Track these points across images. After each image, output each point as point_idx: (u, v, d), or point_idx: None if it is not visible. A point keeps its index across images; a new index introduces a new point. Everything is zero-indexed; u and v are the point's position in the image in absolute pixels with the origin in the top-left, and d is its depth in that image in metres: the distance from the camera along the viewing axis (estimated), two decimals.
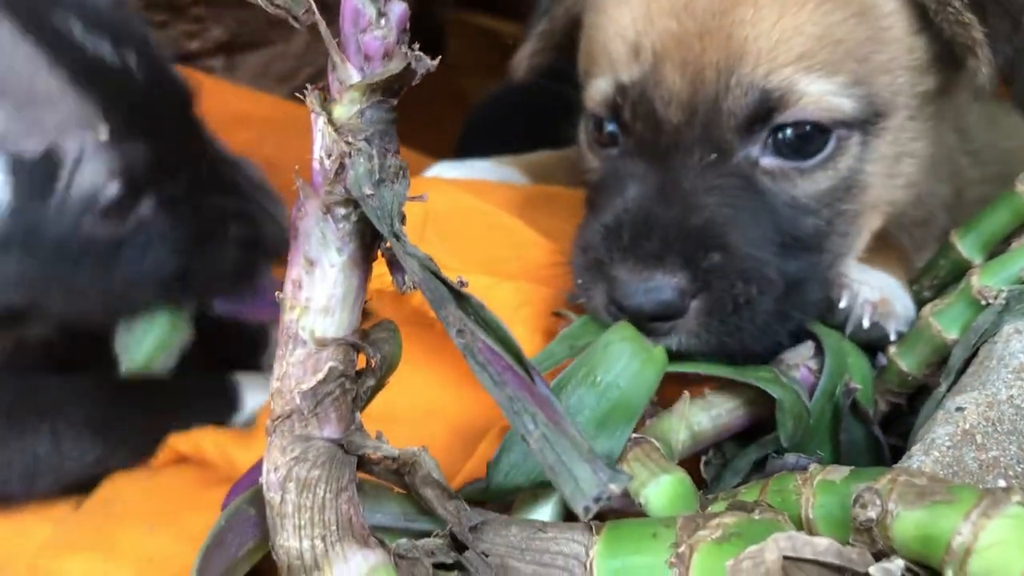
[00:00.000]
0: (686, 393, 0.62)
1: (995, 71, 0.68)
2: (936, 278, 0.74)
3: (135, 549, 0.70)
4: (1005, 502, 0.41)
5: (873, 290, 0.71)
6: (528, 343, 0.71)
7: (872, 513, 0.43)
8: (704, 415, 0.63)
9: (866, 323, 0.69)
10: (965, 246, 0.72)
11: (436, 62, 0.46)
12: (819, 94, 0.67)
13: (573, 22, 0.85)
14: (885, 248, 0.77)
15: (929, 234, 0.86)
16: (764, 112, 0.68)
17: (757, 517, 0.43)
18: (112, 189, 0.71)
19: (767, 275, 0.66)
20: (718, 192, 0.67)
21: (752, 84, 0.67)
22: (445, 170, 0.98)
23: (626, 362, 0.60)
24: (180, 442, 0.78)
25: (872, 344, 0.71)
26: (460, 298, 0.46)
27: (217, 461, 0.76)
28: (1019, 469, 0.52)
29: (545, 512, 0.56)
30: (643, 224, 0.67)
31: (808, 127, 0.69)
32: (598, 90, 0.75)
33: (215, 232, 0.78)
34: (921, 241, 0.85)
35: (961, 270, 0.70)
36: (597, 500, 0.44)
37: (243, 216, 0.79)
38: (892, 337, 0.70)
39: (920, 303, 0.71)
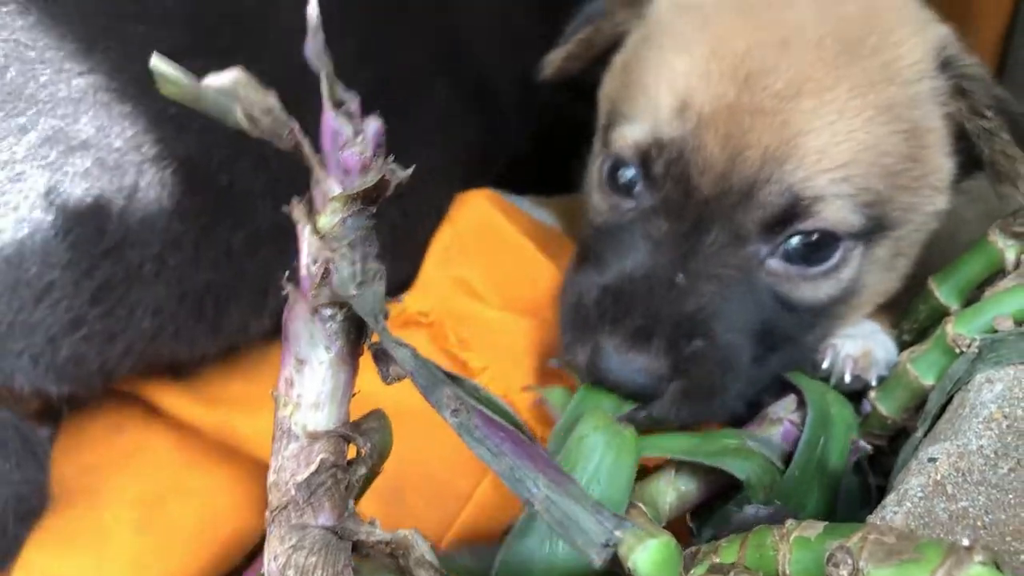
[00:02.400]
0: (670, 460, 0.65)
1: None
2: (916, 322, 0.77)
3: (126, 551, 0.71)
4: (968, 561, 0.44)
5: (855, 343, 0.73)
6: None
7: (844, 572, 0.46)
8: (688, 476, 0.65)
9: (847, 379, 0.72)
10: (942, 293, 0.75)
11: (410, 172, 0.50)
12: (841, 207, 0.68)
13: (616, 42, 0.84)
14: None
15: (922, 273, 0.88)
16: (789, 215, 0.68)
17: None
18: None
19: (741, 362, 0.69)
20: (718, 281, 0.68)
21: (791, 186, 0.67)
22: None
23: (601, 454, 0.61)
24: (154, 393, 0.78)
25: (856, 392, 0.73)
26: (453, 380, 0.49)
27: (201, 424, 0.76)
28: (987, 520, 0.54)
29: None
30: (642, 297, 0.68)
31: (819, 235, 0.70)
32: (631, 134, 0.73)
33: None
34: (912, 283, 0.87)
35: (939, 315, 0.73)
36: (606, 546, 0.47)
37: None
38: (873, 383, 0.72)
39: (900, 347, 0.74)
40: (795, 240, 0.69)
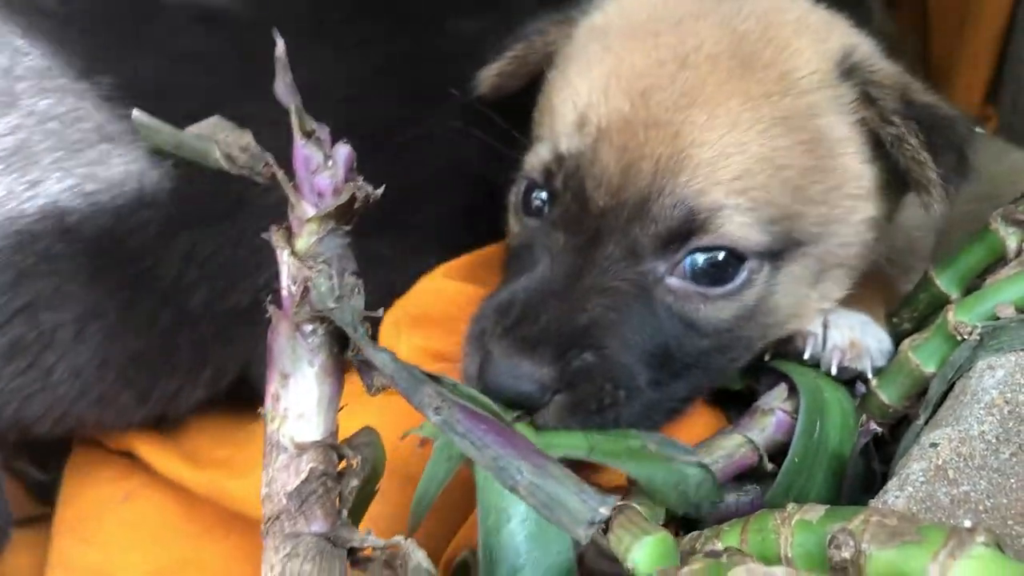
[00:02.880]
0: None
1: (945, 203, 0.70)
2: (916, 311, 0.77)
3: None
4: (970, 542, 0.44)
5: (842, 332, 0.73)
6: None
7: (847, 554, 0.46)
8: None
9: (834, 370, 0.71)
10: (943, 281, 0.75)
11: (380, 191, 0.53)
12: (742, 223, 0.67)
13: (549, 62, 0.83)
14: (859, 283, 0.78)
15: (916, 257, 0.88)
16: (686, 230, 0.67)
17: (724, 560, 0.46)
18: None
19: (636, 383, 0.67)
20: (612, 294, 0.67)
21: (684, 199, 0.67)
22: None
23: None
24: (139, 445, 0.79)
25: (851, 379, 0.73)
26: (433, 379, 0.50)
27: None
28: (989, 504, 0.54)
29: None
30: (532, 309, 0.67)
31: (722, 254, 0.68)
32: (538, 155, 0.74)
33: None
34: (907, 266, 0.87)
35: (939, 304, 0.73)
36: (591, 524, 0.47)
37: None
38: (869, 374, 0.72)
39: (900, 336, 0.74)
40: (697, 258, 0.68)
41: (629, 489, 0.65)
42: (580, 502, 0.47)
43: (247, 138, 0.54)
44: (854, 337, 0.72)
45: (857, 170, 0.72)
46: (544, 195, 0.74)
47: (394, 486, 0.64)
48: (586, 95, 0.71)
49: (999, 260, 0.73)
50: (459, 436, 0.49)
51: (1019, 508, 0.53)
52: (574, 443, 0.65)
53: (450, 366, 0.73)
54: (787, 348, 0.75)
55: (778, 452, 0.69)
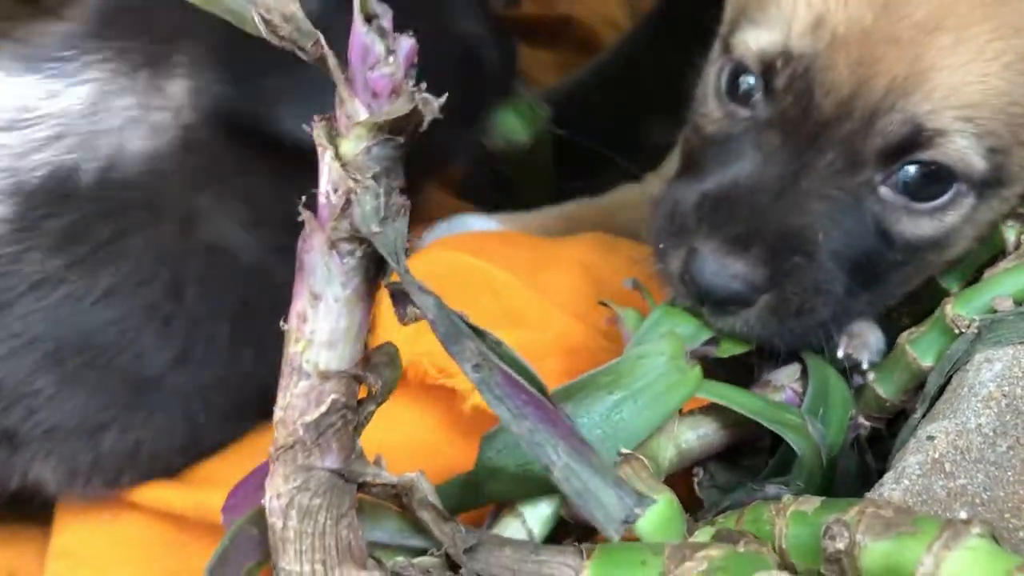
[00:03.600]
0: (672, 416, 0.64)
1: None
2: (914, 304, 0.76)
3: None
4: (965, 534, 0.44)
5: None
6: None
7: (841, 544, 0.46)
8: (692, 433, 0.64)
9: (840, 353, 0.71)
10: (941, 274, 0.74)
11: (443, 100, 0.46)
12: (963, 147, 0.66)
13: None
14: None
15: None
16: (908, 145, 0.66)
17: (742, 550, 0.45)
18: None
19: (835, 289, 0.68)
20: (829, 202, 0.67)
21: (914, 116, 0.65)
22: (440, 232, 0.96)
23: (655, 378, 0.60)
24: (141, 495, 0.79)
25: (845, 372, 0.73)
26: (477, 334, 0.47)
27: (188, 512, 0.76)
28: (986, 497, 0.54)
29: (534, 518, 0.58)
30: (745, 204, 0.67)
31: (934, 168, 0.67)
32: (757, 41, 0.70)
33: None
34: None
35: (937, 297, 0.72)
36: (625, 523, 0.46)
37: None
38: (864, 367, 0.71)
39: (898, 329, 0.73)
40: (910, 170, 0.67)
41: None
42: (616, 498, 0.46)
43: (292, 6, 0.47)
44: (860, 328, 0.72)
45: None
46: (752, 81, 0.71)
47: None
48: None
49: (998, 253, 0.73)
50: (496, 399, 0.46)
51: (1015, 501, 0.53)
52: (741, 399, 0.66)
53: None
54: None
55: None
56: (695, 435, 0.66)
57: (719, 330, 0.68)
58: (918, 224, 0.69)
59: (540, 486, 0.57)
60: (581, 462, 0.46)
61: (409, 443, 0.74)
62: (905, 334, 0.70)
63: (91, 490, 0.76)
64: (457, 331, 0.47)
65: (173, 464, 0.78)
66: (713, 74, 0.76)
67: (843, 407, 0.69)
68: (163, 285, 0.74)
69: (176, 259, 0.74)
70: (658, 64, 1.19)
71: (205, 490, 0.76)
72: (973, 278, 0.73)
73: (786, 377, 0.71)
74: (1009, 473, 0.55)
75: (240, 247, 0.76)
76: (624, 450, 0.57)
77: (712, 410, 0.68)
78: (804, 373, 0.71)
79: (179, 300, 0.74)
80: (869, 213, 0.68)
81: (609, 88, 1.29)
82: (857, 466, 0.70)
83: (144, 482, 0.78)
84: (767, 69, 0.70)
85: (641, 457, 0.53)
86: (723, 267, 0.65)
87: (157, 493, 0.78)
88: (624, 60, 1.33)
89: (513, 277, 0.84)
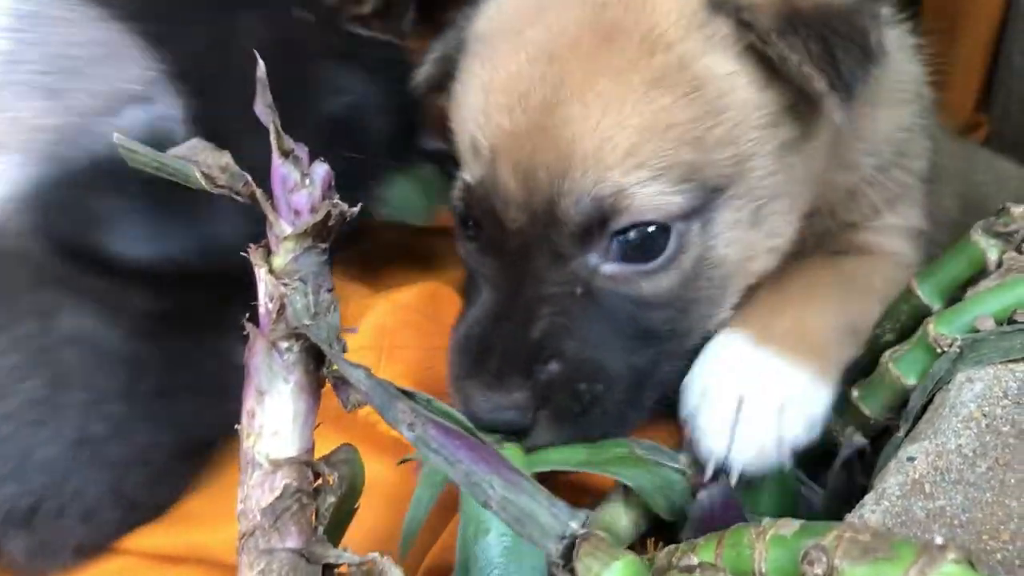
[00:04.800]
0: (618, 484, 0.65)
1: (848, 109, 0.67)
2: (898, 322, 0.77)
3: None
4: (941, 559, 0.44)
5: (749, 441, 0.66)
6: None
7: (819, 570, 0.46)
8: (636, 502, 0.65)
9: (733, 482, 0.65)
10: (924, 292, 0.75)
11: (357, 208, 0.54)
12: (651, 195, 0.66)
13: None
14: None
15: (912, 159, 0.85)
16: (599, 219, 0.67)
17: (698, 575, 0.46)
18: None
19: (611, 372, 0.67)
20: (554, 301, 0.67)
21: (583, 193, 0.66)
22: None
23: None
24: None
25: None
26: (406, 395, 0.51)
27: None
28: (964, 518, 0.55)
29: None
30: (486, 340, 0.68)
31: (648, 228, 0.67)
32: (456, 185, 0.75)
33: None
34: (903, 175, 0.84)
35: (921, 315, 0.73)
36: (562, 538, 0.49)
37: None
38: (787, 466, 0.68)
39: (882, 346, 0.74)
40: (623, 239, 0.67)
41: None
42: (551, 516, 0.49)
43: (226, 158, 0.54)
44: (764, 443, 0.66)
45: (755, 100, 0.69)
46: (466, 218, 0.74)
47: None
48: (472, 117, 0.71)
49: (980, 272, 0.73)
50: (432, 452, 0.50)
51: (993, 523, 0.54)
52: (567, 456, 0.66)
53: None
54: None
55: None
56: (640, 503, 0.66)
57: (530, 450, 0.68)
58: (658, 282, 0.69)
59: None
60: (515, 491, 0.49)
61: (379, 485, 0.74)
62: (888, 352, 0.71)
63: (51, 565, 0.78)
64: (389, 396, 0.51)
65: (115, 535, 0.79)
66: (454, 215, 0.78)
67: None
68: (43, 379, 0.76)
69: (46, 352, 0.77)
70: None
71: (192, 529, 0.77)
72: (956, 296, 0.73)
73: None
74: (987, 494, 0.55)
75: (101, 337, 0.78)
76: (580, 531, 0.56)
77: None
78: None
79: (63, 389, 0.76)
80: (602, 293, 0.68)
81: None
82: (846, 484, 0.70)
83: (94, 554, 0.79)
84: (466, 204, 0.73)
85: (598, 532, 0.54)
86: (490, 403, 0.66)
87: (146, 539, 0.78)
88: None
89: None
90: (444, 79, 0.82)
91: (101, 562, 0.78)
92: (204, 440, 0.81)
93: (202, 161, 0.54)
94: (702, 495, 0.64)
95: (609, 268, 0.68)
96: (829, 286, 0.77)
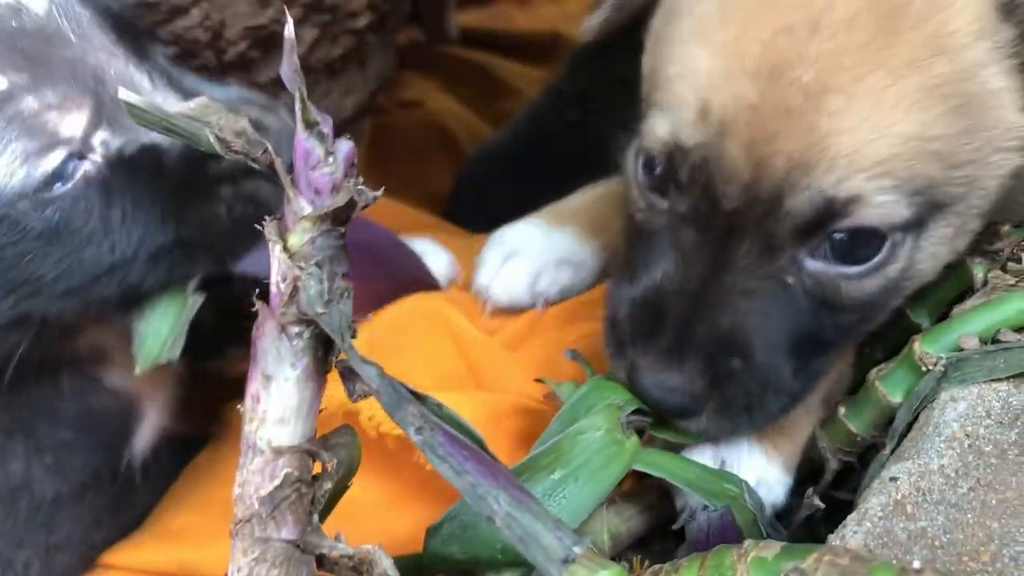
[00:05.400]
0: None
1: None
2: (886, 339, 0.77)
3: None
4: None
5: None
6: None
7: None
8: (617, 519, 0.66)
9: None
10: (912, 310, 0.75)
11: (380, 192, 0.52)
12: (882, 203, 0.62)
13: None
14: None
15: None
16: (826, 218, 0.62)
17: None
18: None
19: (782, 379, 0.67)
20: (754, 296, 0.65)
21: (821, 191, 0.61)
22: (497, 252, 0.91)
23: (592, 454, 0.62)
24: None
25: None
26: (417, 398, 0.50)
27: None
28: (945, 539, 0.55)
29: None
30: (670, 313, 0.66)
31: (864, 233, 0.64)
32: (656, 131, 0.67)
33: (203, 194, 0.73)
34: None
35: (909, 332, 0.73)
36: (565, 562, 0.48)
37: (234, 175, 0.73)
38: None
39: (871, 363, 0.74)
40: (836, 238, 0.64)
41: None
42: (555, 539, 0.49)
43: (242, 122, 0.52)
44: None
45: (1011, 121, 0.64)
46: (662, 172, 0.68)
47: None
48: (705, 76, 0.64)
49: (967, 290, 0.74)
50: (439, 458, 0.49)
51: (974, 544, 0.54)
52: (678, 469, 0.67)
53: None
54: None
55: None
56: (621, 520, 0.67)
57: (683, 432, 0.68)
58: (860, 286, 0.66)
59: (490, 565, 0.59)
60: (521, 509, 0.49)
61: (374, 495, 0.75)
62: (875, 370, 0.71)
63: None
64: (399, 397, 0.50)
65: None
66: (631, 159, 0.73)
67: None
68: None
69: None
70: (568, 128, 1.22)
71: (183, 546, 0.78)
72: (944, 314, 0.74)
73: None
74: (969, 515, 0.56)
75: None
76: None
77: (632, 497, 0.70)
78: None
79: None
80: (800, 290, 0.65)
81: (523, 149, 1.33)
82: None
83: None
84: (670, 162, 0.67)
85: (589, 541, 0.55)
86: (661, 382, 0.65)
87: (135, 553, 0.80)
88: (533, 124, 1.36)
89: (477, 331, 0.85)
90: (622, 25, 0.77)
91: None
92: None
93: (215, 123, 0.52)
94: (702, 516, 0.64)
95: (814, 265, 0.65)
96: None
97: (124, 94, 0.53)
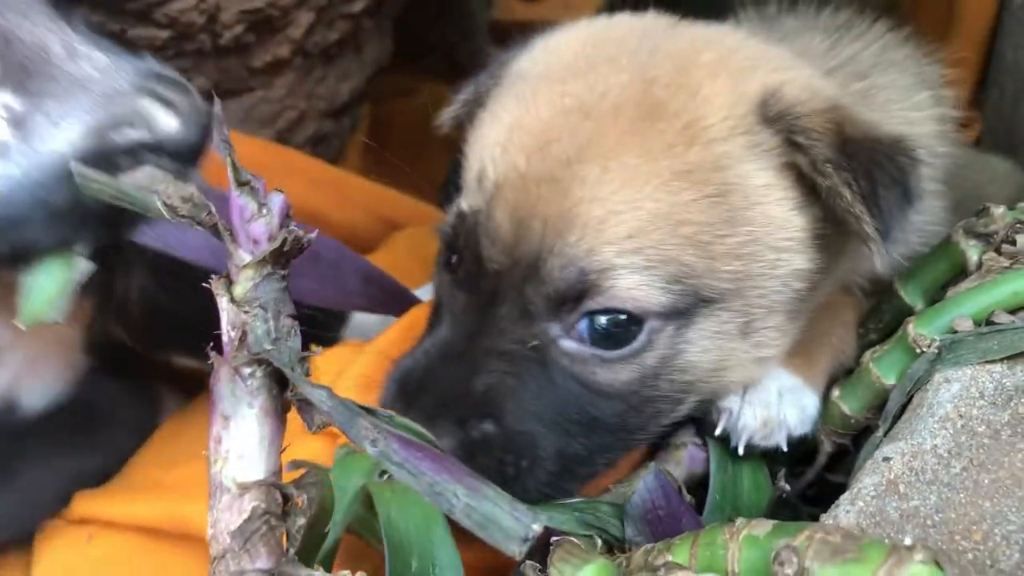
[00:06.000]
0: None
1: (888, 259, 0.64)
2: (882, 322, 0.78)
3: None
4: (908, 560, 0.45)
5: (756, 412, 0.69)
6: None
7: (790, 571, 0.47)
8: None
9: (740, 450, 0.69)
10: (907, 292, 0.75)
11: (314, 235, 0.55)
12: (635, 284, 0.63)
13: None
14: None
15: None
16: (577, 293, 0.64)
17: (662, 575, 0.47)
18: None
19: (539, 452, 0.64)
20: (508, 359, 0.65)
21: (573, 259, 0.63)
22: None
23: (414, 526, 0.61)
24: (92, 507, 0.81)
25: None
26: (368, 412, 0.52)
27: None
28: (937, 518, 0.55)
29: None
30: (429, 377, 0.66)
31: (620, 316, 0.64)
32: (451, 209, 0.72)
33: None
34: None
35: (904, 315, 0.73)
36: (524, 540, 0.51)
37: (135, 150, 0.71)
38: (784, 448, 0.69)
39: (865, 345, 0.75)
40: (593, 321, 0.64)
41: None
42: (513, 520, 0.51)
43: (189, 189, 0.55)
44: (768, 415, 0.69)
45: (782, 219, 0.66)
46: (450, 242, 0.72)
47: None
48: (489, 147, 0.69)
49: (961, 273, 0.74)
50: (396, 466, 0.51)
51: (966, 523, 0.54)
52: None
53: None
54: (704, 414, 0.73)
55: (697, 485, 0.70)
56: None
57: None
58: (616, 371, 0.65)
59: None
60: (478, 497, 0.51)
61: None
62: (869, 352, 0.72)
63: None
64: (351, 413, 0.52)
65: None
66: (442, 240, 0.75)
67: (755, 485, 0.70)
68: None
69: None
70: None
71: (176, 500, 0.78)
72: (938, 296, 0.74)
73: (683, 435, 0.72)
74: (961, 495, 0.56)
75: None
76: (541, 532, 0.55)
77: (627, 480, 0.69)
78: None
79: None
80: (557, 367, 0.65)
81: None
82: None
83: None
84: (455, 230, 0.70)
85: (571, 539, 0.55)
86: None
87: (128, 508, 0.80)
88: None
89: None
90: (467, 119, 0.80)
91: (71, 530, 0.80)
92: None
93: (163, 191, 0.55)
94: (640, 486, 0.63)
95: (570, 344, 0.65)
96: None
97: (76, 167, 0.55)
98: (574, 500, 0.65)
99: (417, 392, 0.65)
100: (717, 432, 0.69)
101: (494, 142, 0.69)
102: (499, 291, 0.66)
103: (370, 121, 1.49)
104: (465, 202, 0.70)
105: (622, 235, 0.63)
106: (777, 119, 0.66)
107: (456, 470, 0.51)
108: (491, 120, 0.72)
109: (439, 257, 0.74)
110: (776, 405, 0.69)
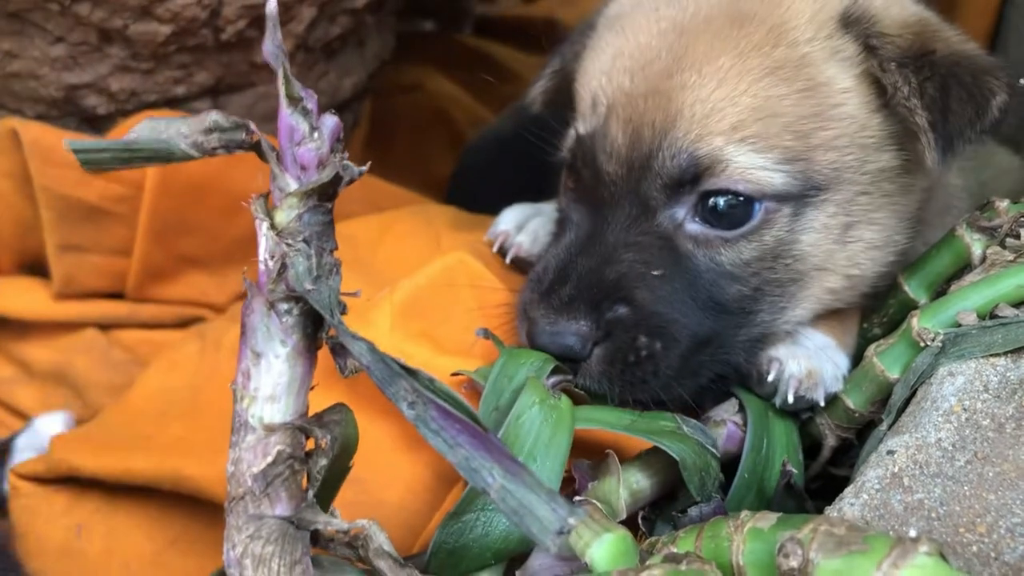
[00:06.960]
0: (611, 453, 0.65)
1: (943, 155, 0.69)
2: (886, 316, 0.77)
3: None
4: (913, 552, 0.45)
5: (799, 363, 0.72)
6: None
7: (794, 563, 0.47)
8: (641, 475, 0.66)
9: (790, 399, 0.71)
10: (911, 286, 0.75)
11: (366, 168, 0.52)
12: (746, 166, 0.70)
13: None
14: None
15: (951, 217, 0.83)
16: (691, 176, 0.71)
17: (684, 568, 0.46)
18: None
19: (672, 332, 0.70)
20: (636, 248, 0.72)
21: (682, 148, 0.71)
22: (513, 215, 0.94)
23: (538, 432, 0.62)
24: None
25: (802, 409, 0.73)
26: (409, 373, 0.50)
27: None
28: (942, 511, 0.55)
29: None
30: (562, 272, 0.72)
31: (735, 197, 0.71)
32: (568, 137, 0.80)
33: None
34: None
35: (908, 309, 0.73)
36: (560, 533, 0.48)
37: None
38: (821, 403, 0.71)
39: (870, 340, 0.75)
40: (711, 202, 0.71)
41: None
42: (550, 511, 0.48)
43: (211, 117, 0.51)
44: (811, 366, 0.72)
45: (863, 119, 0.73)
46: (570, 164, 0.80)
47: None
48: (596, 77, 0.77)
49: (965, 266, 0.74)
50: (432, 432, 0.49)
51: (970, 516, 0.54)
52: (615, 418, 0.68)
53: (430, 353, 0.76)
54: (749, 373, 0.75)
55: (728, 463, 0.69)
56: (645, 476, 0.67)
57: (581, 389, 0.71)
58: (739, 250, 0.72)
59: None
60: (515, 482, 0.48)
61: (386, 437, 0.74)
62: (873, 346, 0.72)
63: None
64: (391, 372, 0.50)
65: None
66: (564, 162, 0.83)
67: (787, 435, 0.71)
68: None
69: None
70: None
71: (178, 457, 0.76)
72: (942, 290, 0.74)
73: (725, 412, 0.72)
74: (966, 488, 0.56)
75: None
76: (578, 498, 0.58)
77: (658, 450, 0.68)
78: (742, 408, 0.72)
79: None
80: (685, 250, 0.72)
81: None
82: (796, 511, 0.69)
83: None
84: (574, 154, 0.79)
85: (594, 501, 0.54)
86: (550, 327, 0.70)
87: (122, 464, 0.78)
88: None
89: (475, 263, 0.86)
90: (557, 93, 0.89)
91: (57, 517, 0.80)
92: None
93: (177, 133, 0.51)
94: (693, 510, 0.64)
95: (693, 227, 0.72)
96: None
97: (70, 143, 0.52)
98: (695, 435, 0.67)
99: (552, 287, 0.71)
100: (770, 378, 0.72)
101: (600, 72, 0.77)
102: (617, 194, 0.74)
103: (374, 118, 1.48)
104: (582, 126, 0.78)
105: (726, 127, 0.70)
106: (854, 26, 0.73)
107: (496, 450, 0.49)
108: (594, 56, 0.80)
109: (562, 180, 0.82)
110: (817, 357, 0.73)
